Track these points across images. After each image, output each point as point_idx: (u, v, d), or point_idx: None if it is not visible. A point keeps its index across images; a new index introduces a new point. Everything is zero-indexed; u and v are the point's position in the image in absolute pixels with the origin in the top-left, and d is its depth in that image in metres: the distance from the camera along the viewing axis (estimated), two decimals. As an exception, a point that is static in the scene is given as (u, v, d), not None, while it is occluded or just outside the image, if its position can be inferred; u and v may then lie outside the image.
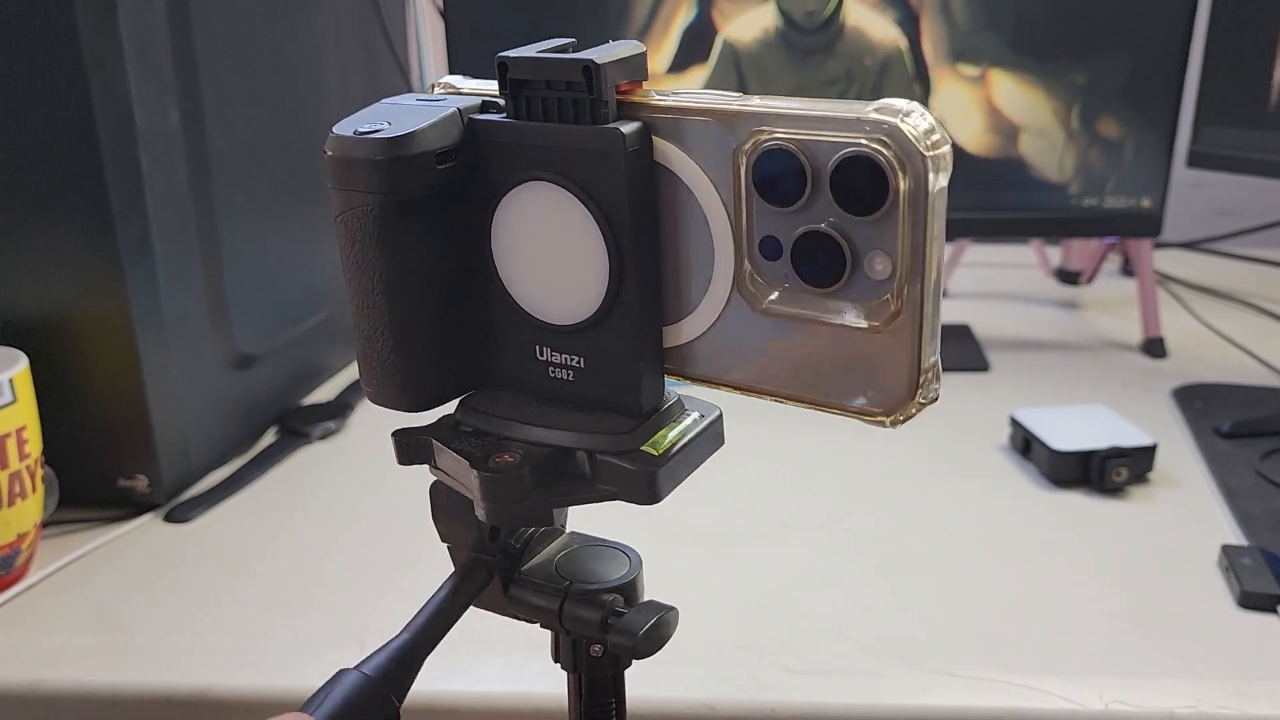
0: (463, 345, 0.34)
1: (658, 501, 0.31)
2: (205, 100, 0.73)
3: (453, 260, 0.32)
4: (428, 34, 1.08)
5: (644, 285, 0.30)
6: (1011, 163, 0.99)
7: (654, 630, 0.34)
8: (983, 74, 0.97)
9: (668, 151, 0.29)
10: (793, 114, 0.27)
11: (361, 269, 0.32)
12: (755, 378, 0.30)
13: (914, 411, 0.28)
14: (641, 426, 0.31)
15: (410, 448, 0.34)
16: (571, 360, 0.32)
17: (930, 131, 0.26)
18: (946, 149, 0.26)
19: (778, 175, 0.27)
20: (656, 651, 0.35)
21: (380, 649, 0.35)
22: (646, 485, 0.31)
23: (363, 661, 0.35)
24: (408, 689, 0.35)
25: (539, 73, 0.29)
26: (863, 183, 0.26)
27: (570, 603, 0.35)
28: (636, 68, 0.29)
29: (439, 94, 0.33)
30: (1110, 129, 0.98)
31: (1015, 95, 0.97)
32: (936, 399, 0.28)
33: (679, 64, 0.97)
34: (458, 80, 0.33)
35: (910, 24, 0.95)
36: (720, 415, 0.33)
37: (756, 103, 0.28)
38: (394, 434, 0.35)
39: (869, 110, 0.26)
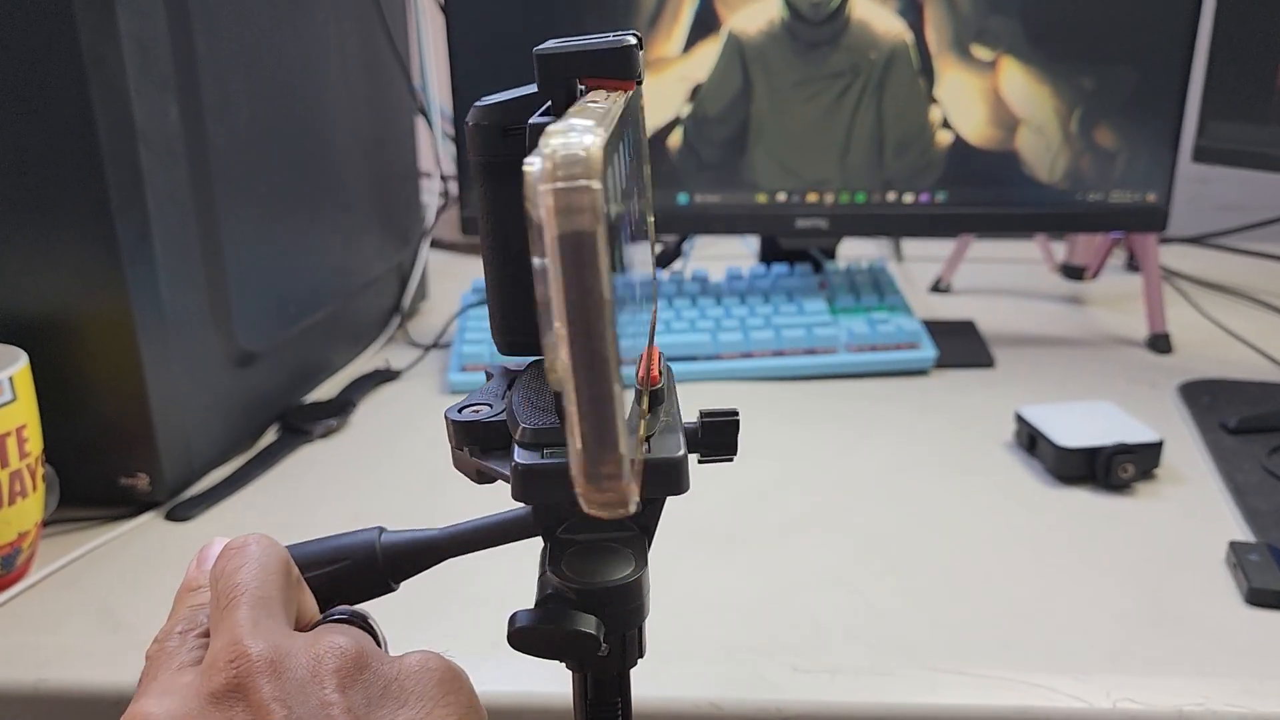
0: None
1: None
2: (206, 98, 0.72)
3: None
4: (429, 29, 1.08)
5: None
6: (1006, 156, 0.99)
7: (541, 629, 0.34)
8: (996, 60, 0.96)
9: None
10: None
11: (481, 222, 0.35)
12: None
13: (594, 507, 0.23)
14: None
15: None
16: None
17: (571, 162, 0.21)
18: (586, 184, 0.21)
19: None
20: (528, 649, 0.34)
21: (410, 530, 0.38)
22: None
23: (390, 532, 0.39)
24: (407, 577, 0.39)
25: None
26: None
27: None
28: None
29: None
30: (1106, 139, 0.97)
31: (1022, 87, 0.97)
32: (627, 507, 0.23)
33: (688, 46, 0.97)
34: None
35: (914, 13, 0.95)
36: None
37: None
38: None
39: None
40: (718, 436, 0.36)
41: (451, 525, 0.39)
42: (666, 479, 0.32)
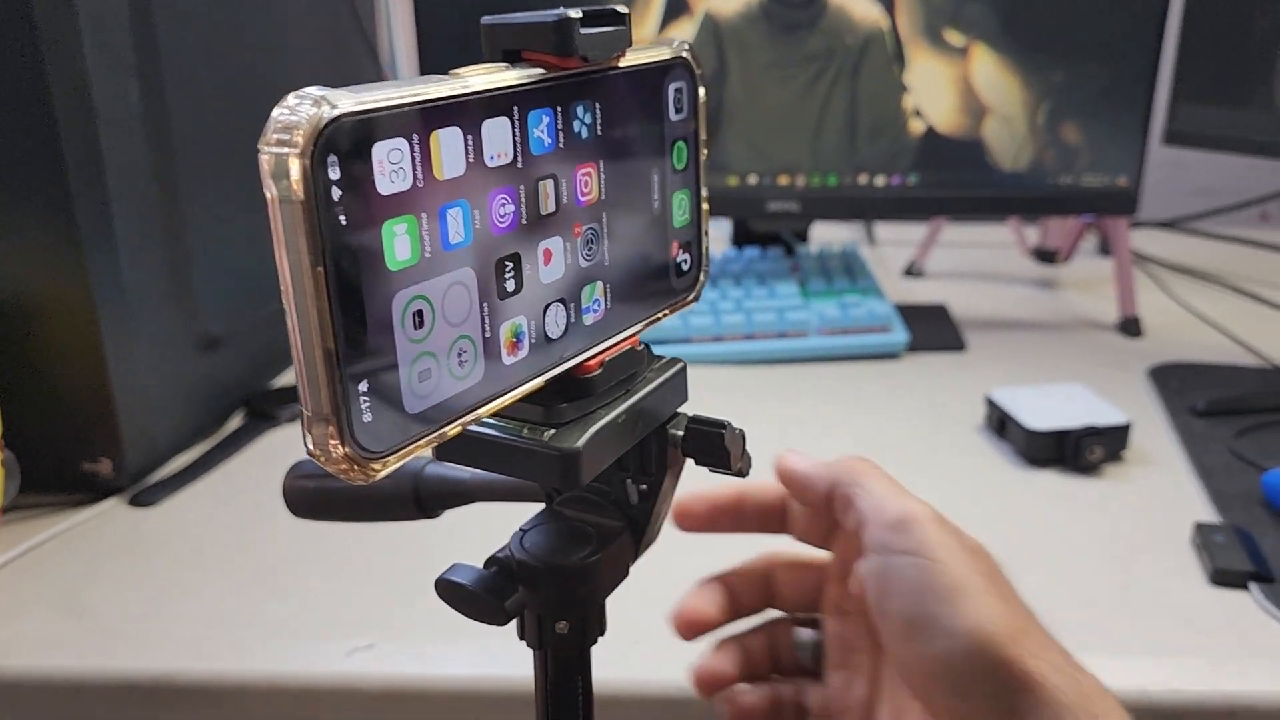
0: None
1: None
2: (167, 79, 0.71)
3: None
4: (397, 7, 1.07)
5: None
6: (971, 144, 0.99)
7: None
8: (967, 46, 0.96)
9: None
10: None
11: None
12: None
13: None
14: None
15: None
16: None
17: (283, 129, 0.23)
18: (289, 153, 0.23)
19: None
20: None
21: (448, 467, 0.40)
22: None
23: (433, 464, 0.41)
24: (436, 508, 0.41)
25: None
26: None
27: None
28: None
29: None
30: (1071, 135, 0.97)
31: (992, 76, 0.96)
32: (354, 473, 0.24)
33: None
34: None
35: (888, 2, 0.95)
36: None
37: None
38: None
39: None
40: (701, 444, 0.36)
41: (479, 473, 0.39)
42: (552, 470, 0.31)
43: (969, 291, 1.16)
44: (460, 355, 0.26)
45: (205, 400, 0.80)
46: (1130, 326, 1.03)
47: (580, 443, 0.31)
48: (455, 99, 0.25)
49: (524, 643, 0.38)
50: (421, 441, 0.26)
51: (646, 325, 0.35)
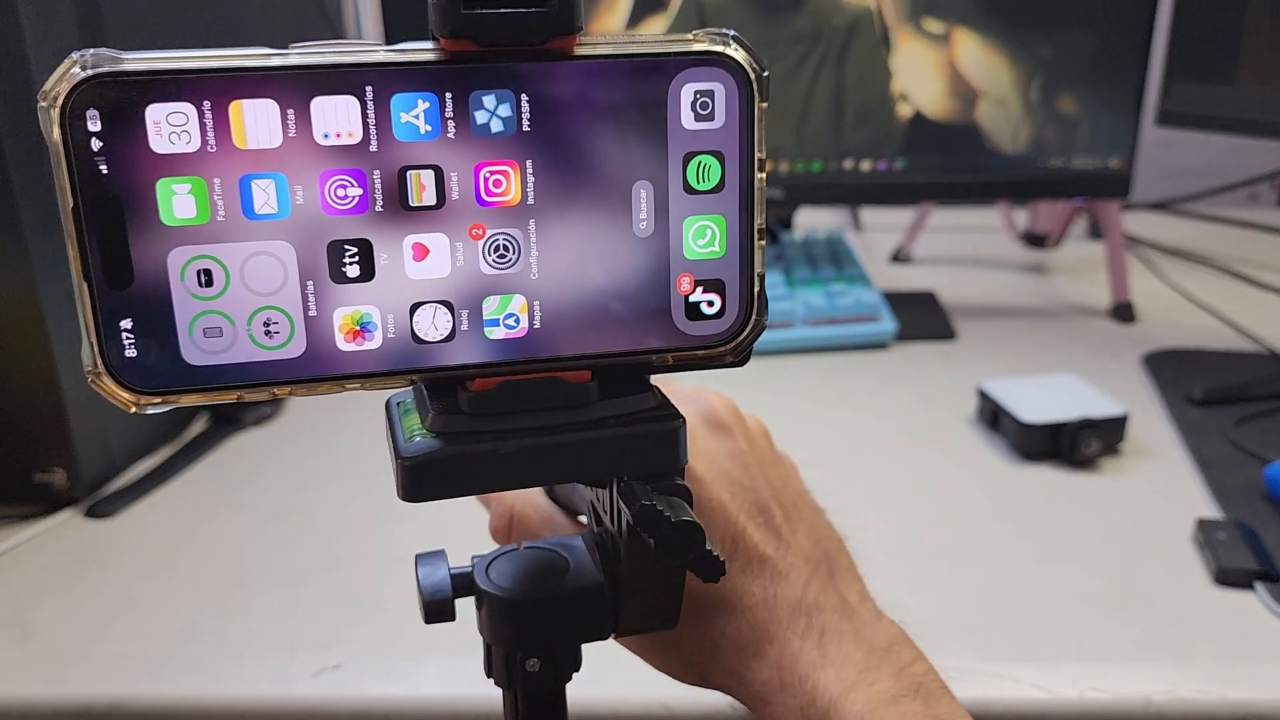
0: None
1: None
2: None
3: None
4: (364, 3, 1.03)
5: None
6: (967, 129, 0.96)
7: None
8: (948, 32, 0.93)
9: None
10: None
11: None
12: None
13: None
14: None
15: None
16: None
17: (48, 83, 0.25)
18: (44, 105, 0.25)
19: None
20: None
21: None
22: None
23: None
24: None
25: None
26: None
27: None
28: None
29: None
30: (1068, 106, 0.95)
31: (978, 59, 0.94)
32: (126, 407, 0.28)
33: (636, 17, 0.93)
34: None
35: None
36: None
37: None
38: None
39: None
40: (652, 527, 0.29)
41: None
42: (402, 479, 0.29)
43: (958, 278, 1.13)
44: (267, 325, 0.27)
45: (167, 404, 0.77)
46: (1123, 312, 1.01)
47: (414, 453, 0.28)
48: (265, 70, 0.25)
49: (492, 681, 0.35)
50: (202, 394, 0.27)
51: (615, 363, 0.30)
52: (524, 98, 0.27)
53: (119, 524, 0.67)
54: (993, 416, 0.77)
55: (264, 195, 0.26)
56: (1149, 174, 1.58)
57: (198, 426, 0.79)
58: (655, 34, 0.27)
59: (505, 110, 0.26)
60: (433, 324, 0.28)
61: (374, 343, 0.28)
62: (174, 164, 0.25)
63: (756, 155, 0.29)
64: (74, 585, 0.61)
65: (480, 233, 0.27)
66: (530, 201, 0.28)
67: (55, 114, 0.24)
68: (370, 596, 0.60)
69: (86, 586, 0.61)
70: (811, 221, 1.27)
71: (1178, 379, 0.85)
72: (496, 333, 0.28)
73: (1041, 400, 0.75)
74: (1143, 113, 0.95)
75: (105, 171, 0.25)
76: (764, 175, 0.29)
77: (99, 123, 0.25)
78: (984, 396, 0.78)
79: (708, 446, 0.38)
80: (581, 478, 0.31)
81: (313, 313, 0.27)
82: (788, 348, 0.92)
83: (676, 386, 0.36)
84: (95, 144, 0.25)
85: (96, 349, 0.26)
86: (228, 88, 0.25)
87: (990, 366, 0.88)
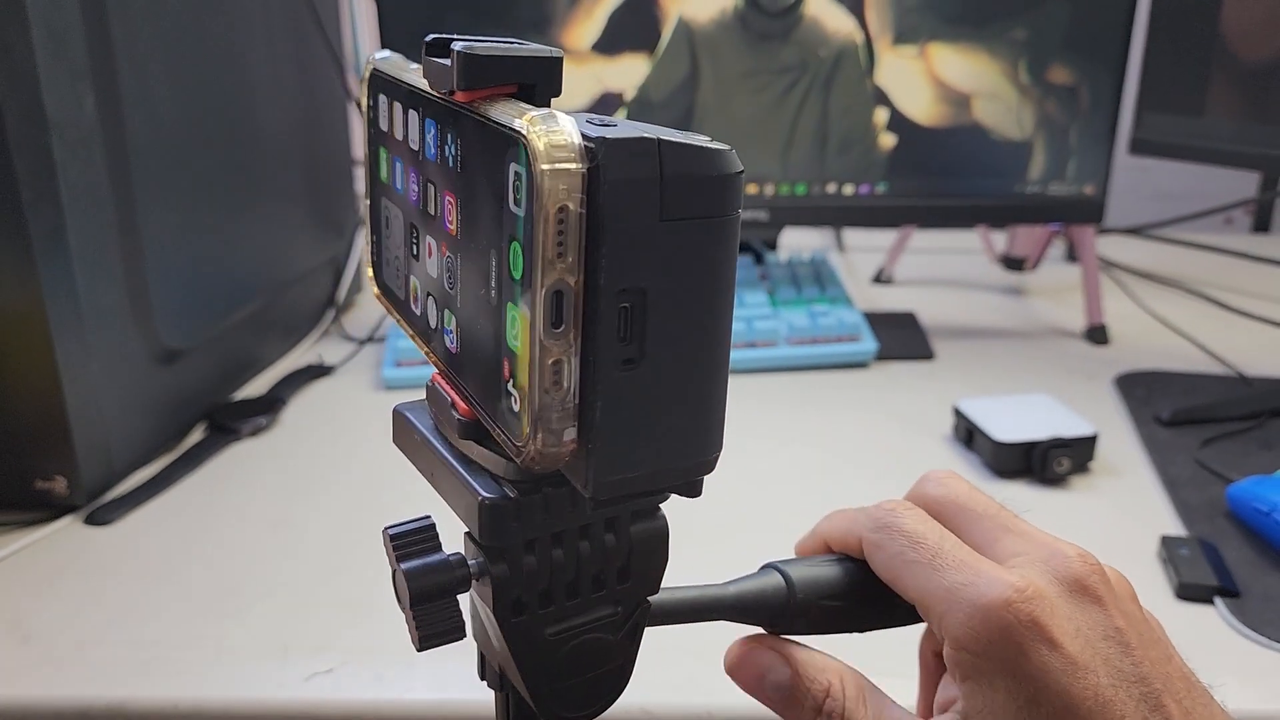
0: None
1: None
2: (123, 87, 0.70)
3: None
4: (361, 16, 1.05)
5: None
6: (969, 130, 0.99)
7: None
8: (921, 50, 0.96)
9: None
10: None
11: None
12: None
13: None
14: None
15: None
16: None
17: None
18: None
19: None
20: None
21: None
22: None
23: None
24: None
25: None
26: None
27: None
28: None
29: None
30: (1061, 75, 0.97)
31: (959, 65, 0.96)
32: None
33: (606, 44, 0.95)
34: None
35: (857, 5, 0.94)
36: None
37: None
38: None
39: None
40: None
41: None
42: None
43: (938, 299, 1.16)
44: (397, 260, 0.34)
45: (164, 414, 0.78)
46: (1097, 334, 1.04)
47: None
48: (398, 82, 0.32)
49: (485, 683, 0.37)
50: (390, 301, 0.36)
51: (488, 423, 0.28)
52: (460, 141, 0.27)
53: (118, 531, 0.69)
54: (968, 435, 0.80)
55: (396, 173, 0.33)
56: (1126, 197, 1.61)
57: (195, 436, 0.81)
58: (516, 105, 0.25)
59: (453, 150, 0.28)
60: (430, 316, 0.32)
61: (419, 310, 0.33)
62: (380, 137, 0.34)
63: (544, 257, 0.23)
64: (73, 590, 0.63)
65: (445, 250, 0.30)
66: (460, 237, 0.28)
67: (364, 87, 0.34)
68: (363, 602, 0.61)
69: (86, 592, 0.63)
70: (796, 241, 1.30)
71: (1148, 399, 0.88)
72: (448, 342, 0.30)
73: (1015, 419, 0.77)
74: (1116, 141, 0.98)
75: (370, 134, 0.34)
76: (576, 281, 0.24)
77: (374, 100, 0.34)
78: (959, 415, 0.80)
79: (1077, 623, 0.32)
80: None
81: (406, 272, 0.33)
82: (771, 366, 0.95)
83: (1028, 530, 0.35)
84: (369, 112, 0.34)
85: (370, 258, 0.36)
86: (393, 90, 0.32)
87: (967, 386, 0.91)
